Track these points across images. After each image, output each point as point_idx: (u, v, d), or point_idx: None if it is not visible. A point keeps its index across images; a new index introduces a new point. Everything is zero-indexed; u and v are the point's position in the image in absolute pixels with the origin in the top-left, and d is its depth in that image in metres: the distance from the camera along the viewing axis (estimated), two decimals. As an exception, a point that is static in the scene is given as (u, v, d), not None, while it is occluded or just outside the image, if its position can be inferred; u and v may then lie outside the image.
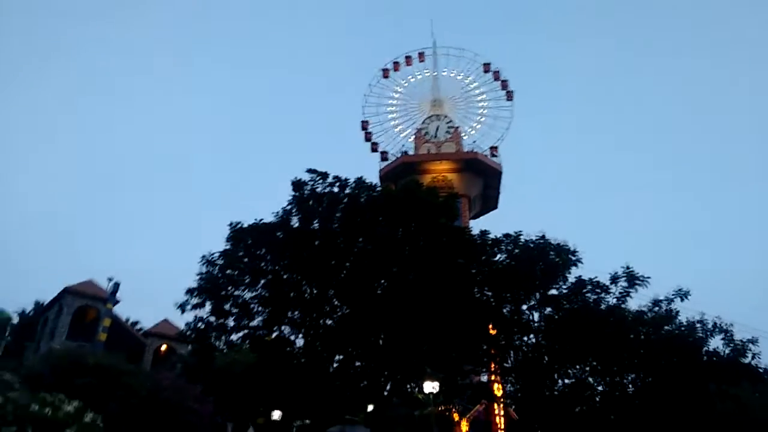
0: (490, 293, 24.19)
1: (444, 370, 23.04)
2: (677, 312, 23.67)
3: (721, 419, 24.84)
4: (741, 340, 23.34)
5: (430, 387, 22.51)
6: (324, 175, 24.25)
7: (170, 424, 13.93)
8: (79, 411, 11.82)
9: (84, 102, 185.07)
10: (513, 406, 25.48)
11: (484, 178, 56.31)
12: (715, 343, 23.73)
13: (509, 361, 24.15)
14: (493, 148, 56.79)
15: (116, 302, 37.74)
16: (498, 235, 24.74)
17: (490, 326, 23.56)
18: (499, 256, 24.63)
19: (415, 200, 23.56)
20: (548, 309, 23.69)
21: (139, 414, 13.96)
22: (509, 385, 25.52)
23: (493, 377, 26.20)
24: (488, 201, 58.60)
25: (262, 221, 24.19)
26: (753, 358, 23.20)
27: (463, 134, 59.46)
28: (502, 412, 24.39)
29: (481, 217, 59.20)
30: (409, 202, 23.41)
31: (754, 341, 23.31)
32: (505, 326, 23.50)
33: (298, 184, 24.23)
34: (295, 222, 24.06)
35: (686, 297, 23.13)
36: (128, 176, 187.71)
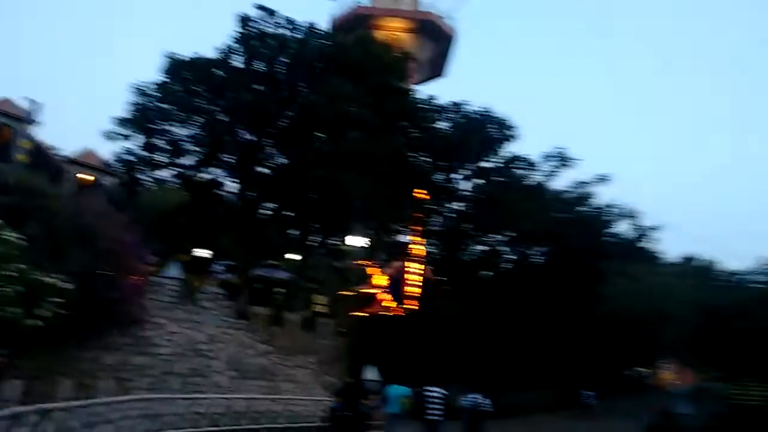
0: (428, 158, 24.66)
1: (371, 227, 23.95)
2: (592, 195, 25.31)
3: (617, 292, 27.84)
4: (645, 227, 25.56)
5: (354, 241, 23.54)
6: (273, 13, 22.68)
7: (92, 250, 13.91)
8: (-1, 228, 11.55)
9: None
10: (431, 267, 27.23)
11: (437, 42, 54.65)
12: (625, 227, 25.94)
13: (435, 225, 25.38)
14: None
15: (36, 123, 35.48)
16: (444, 103, 24.76)
17: (422, 191, 24.33)
18: (441, 123, 24.84)
19: (369, 55, 22.74)
20: (479, 180, 24.64)
21: (60, 237, 13.79)
22: (432, 248, 27.04)
23: (417, 238, 27.58)
24: (438, 67, 57.39)
25: (201, 56, 22.76)
26: (650, 243, 25.67)
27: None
28: (419, 271, 26.11)
29: (429, 83, 58.28)
30: (363, 57, 22.58)
31: (656, 228, 25.58)
32: (436, 192, 24.34)
33: (244, 20, 22.62)
34: (237, 62, 22.81)
35: (607, 182, 24.65)
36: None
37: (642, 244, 25.88)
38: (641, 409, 28.11)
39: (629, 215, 25.70)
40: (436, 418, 12.44)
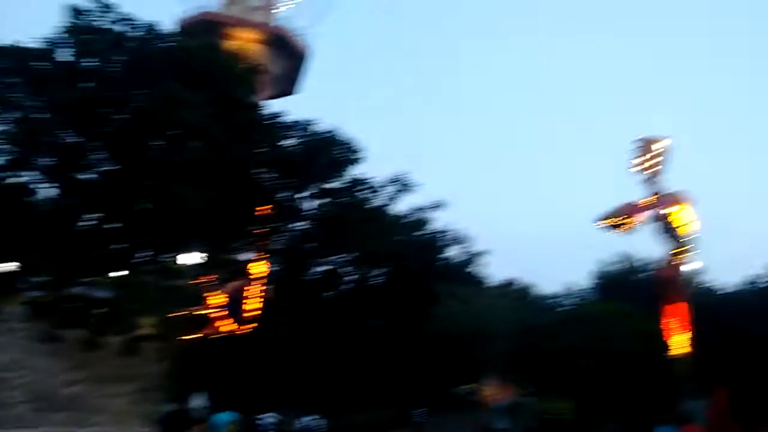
0: (272, 175, 24.17)
1: (208, 244, 22.78)
2: (430, 220, 26.72)
3: (447, 313, 29.47)
4: (473, 252, 27.51)
5: (188, 258, 22.18)
6: (109, 6, 20.79)
7: None
8: None
9: None
10: (272, 286, 26.63)
11: (289, 58, 54.43)
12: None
13: (277, 244, 24.86)
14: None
15: None
16: (292, 120, 24.57)
17: (265, 208, 23.75)
18: (289, 140, 24.60)
19: (215, 63, 21.74)
20: (323, 200, 24.68)
21: None
22: (274, 267, 26.44)
23: (259, 257, 26.82)
24: (289, 83, 57.12)
25: (20, 44, 20.08)
26: (477, 267, 27.70)
27: (279, 5, 55.95)
28: (258, 291, 25.38)
29: (280, 98, 57.69)
30: (208, 64, 21.51)
31: (482, 254, 27.67)
32: (280, 210, 23.89)
33: (74, 11, 20.40)
34: (65, 56, 20.47)
35: (443, 208, 26.13)
36: None
37: (471, 268, 27.78)
38: (465, 425, 29.87)
39: (461, 240, 27.49)
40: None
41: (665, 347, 27.16)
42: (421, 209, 26.65)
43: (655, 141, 27.29)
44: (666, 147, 27.36)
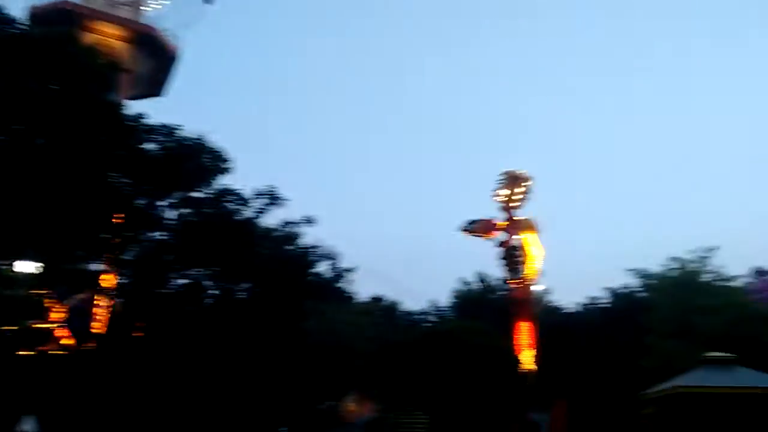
0: (129, 181, 22.51)
1: (50, 251, 20.59)
2: (300, 235, 26.46)
3: (309, 329, 29.22)
4: (342, 268, 27.63)
5: (26, 266, 19.89)
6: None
7: None
8: None
9: None
10: (122, 300, 24.62)
11: (156, 59, 51.48)
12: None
13: (130, 254, 23.11)
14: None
15: None
16: (155, 123, 23.14)
17: (118, 215, 22.02)
18: (150, 145, 23.11)
19: (71, 54, 19.89)
20: (186, 210, 23.46)
21: None
22: (127, 278, 24.53)
23: (109, 267, 24.74)
24: (156, 85, 53.94)
25: None
26: (346, 284, 27.89)
27: (149, 3, 52.83)
28: (107, 304, 23.31)
29: (145, 100, 54.20)
30: (63, 55, 19.62)
31: (351, 270, 27.89)
32: (135, 218, 22.28)
33: None
34: None
35: (312, 223, 25.97)
36: None
37: (340, 284, 27.87)
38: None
39: (330, 256, 27.52)
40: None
41: (517, 363, 29.12)
42: (290, 224, 26.27)
43: (517, 175, 30.01)
44: (526, 181, 30.10)
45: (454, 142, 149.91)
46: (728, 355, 27.36)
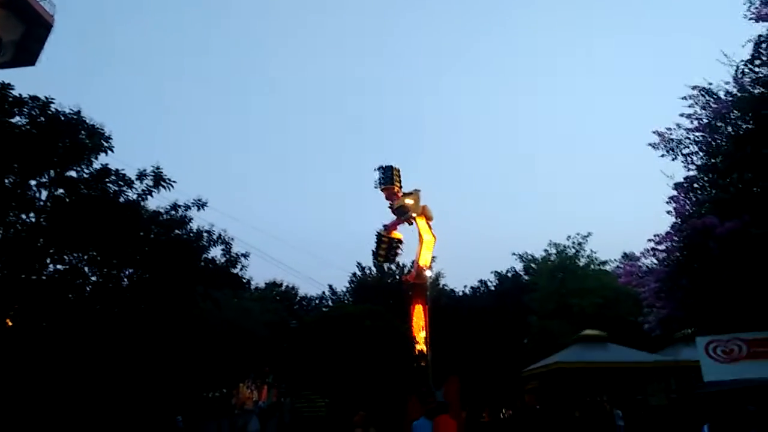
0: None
1: None
2: (191, 219, 25.22)
3: (201, 316, 28.25)
4: (236, 253, 26.79)
5: None
6: None
7: None
8: None
9: None
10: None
11: (27, 25, 46.79)
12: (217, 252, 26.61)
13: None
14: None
15: None
16: (24, 95, 20.97)
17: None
18: (18, 118, 20.93)
19: None
20: (61, 190, 21.54)
21: None
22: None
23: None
24: (26, 53, 49.06)
25: None
26: (241, 269, 27.08)
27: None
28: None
29: (10, 69, 49.12)
30: None
31: (246, 255, 27.15)
32: (1, 198, 20.15)
33: None
34: None
35: (203, 207, 24.81)
36: None
37: (233, 270, 27.03)
38: (222, 428, 28.92)
39: (224, 241, 26.61)
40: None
41: (412, 343, 30.10)
42: (180, 207, 25.00)
43: (394, 170, 33.53)
44: (398, 176, 33.45)
45: (356, 132, 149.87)
46: (601, 332, 30.13)
